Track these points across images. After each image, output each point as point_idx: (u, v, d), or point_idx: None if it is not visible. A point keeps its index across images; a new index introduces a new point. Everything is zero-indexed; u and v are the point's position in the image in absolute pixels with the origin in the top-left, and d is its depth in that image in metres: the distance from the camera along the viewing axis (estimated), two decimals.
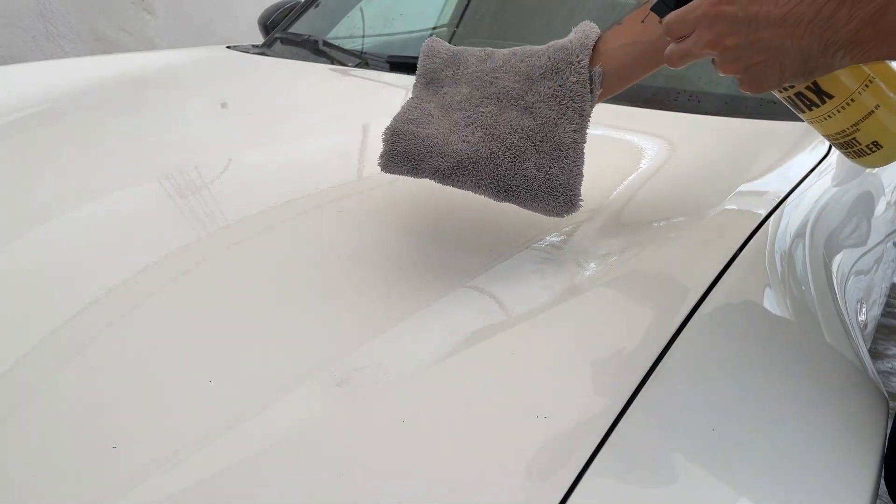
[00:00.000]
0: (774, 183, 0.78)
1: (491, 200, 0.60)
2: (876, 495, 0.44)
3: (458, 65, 0.66)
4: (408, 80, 1.24)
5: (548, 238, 0.64)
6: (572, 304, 0.54)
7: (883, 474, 0.63)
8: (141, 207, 0.71)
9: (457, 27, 1.53)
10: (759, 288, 0.59)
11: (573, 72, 0.60)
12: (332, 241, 0.64)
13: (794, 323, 0.59)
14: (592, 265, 0.59)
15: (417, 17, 1.70)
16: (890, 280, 1.28)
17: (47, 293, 0.55)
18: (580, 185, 0.59)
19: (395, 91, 1.20)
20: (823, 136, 0.56)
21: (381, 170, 0.61)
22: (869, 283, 0.95)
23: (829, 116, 0.53)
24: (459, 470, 0.38)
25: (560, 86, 0.60)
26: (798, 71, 0.47)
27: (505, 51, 0.65)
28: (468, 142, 0.60)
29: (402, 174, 0.61)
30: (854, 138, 0.53)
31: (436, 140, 0.60)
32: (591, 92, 0.60)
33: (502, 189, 0.59)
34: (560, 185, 0.58)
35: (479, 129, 0.61)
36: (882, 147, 0.53)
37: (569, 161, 0.58)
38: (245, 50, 1.57)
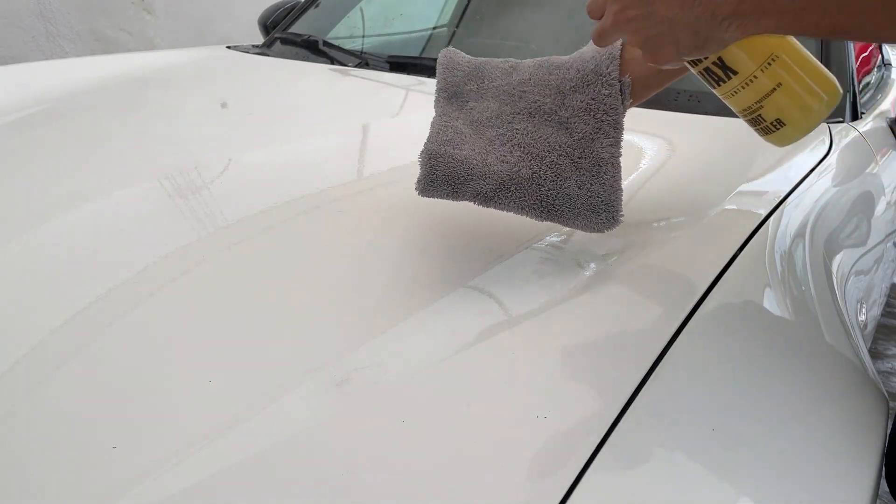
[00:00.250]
0: (774, 183, 0.78)
1: None
2: (876, 495, 0.44)
3: (482, 78, 0.64)
4: (408, 80, 1.25)
5: (548, 238, 0.64)
6: (572, 304, 0.54)
7: (883, 473, 0.63)
8: (141, 207, 0.71)
9: (457, 27, 1.53)
10: (759, 288, 0.59)
11: (605, 84, 0.59)
12: (332, 241, 0.64)
13: (794, 323, 0.59)
14: (592, 265, 0.59)
15: (417, 17, 1.70)
16: (890, 280, 1.28)
17: (46, 293, 0.55)
18: (621, 200, 0.58)
19: (395, 91, 1.20)
20: (736, 111, 0.57)
21: (420, 194, 0.60)
22: (869, 283, 0.95)
23: (735, 92, 0.54)
24: (459, 470, 0.38)
25: (593, 99, 0.59)
26: (692, 44, 0.49)
27: (529, 62, 0.64)
28: (507, 162, 0.59)
29: (442, 198, 0.60)
30: (759, 115, 0.54)
31: (474, 162, 0.59)
32: (622, 103, 0.59)
33: (545, 209, 0.58)
34: (602, 202, 0.57)
35: (516, 147, 0.59)
36: (785, 125, 0.54)
37: (608, 177, 0.58)
38: (245, 50, 1.57)
